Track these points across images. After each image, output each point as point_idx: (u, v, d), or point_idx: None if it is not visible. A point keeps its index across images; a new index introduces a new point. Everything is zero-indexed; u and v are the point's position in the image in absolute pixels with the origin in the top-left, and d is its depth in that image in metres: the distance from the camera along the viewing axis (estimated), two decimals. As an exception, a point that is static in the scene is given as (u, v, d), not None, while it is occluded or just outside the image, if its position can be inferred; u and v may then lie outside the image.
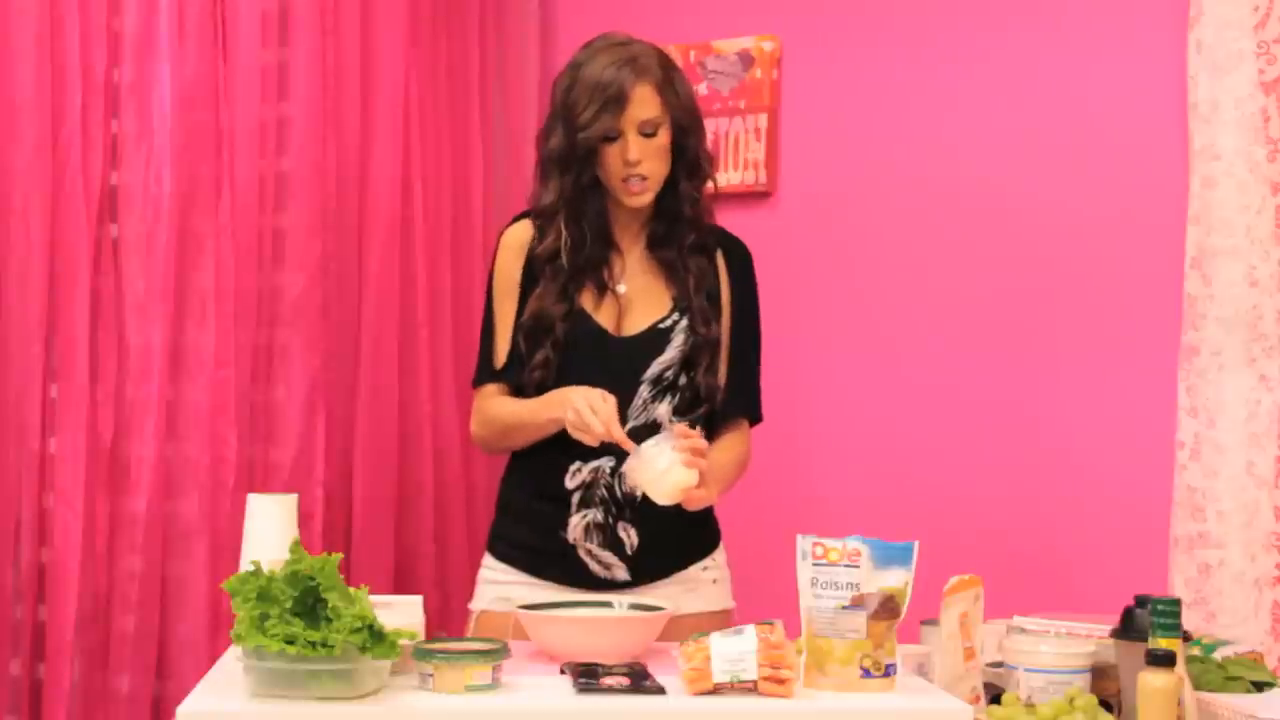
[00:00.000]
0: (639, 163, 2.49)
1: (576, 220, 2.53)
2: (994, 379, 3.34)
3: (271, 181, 3.11)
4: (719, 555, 2.64)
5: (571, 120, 2.48)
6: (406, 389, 3.33)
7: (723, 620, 2.49)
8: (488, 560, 2.63)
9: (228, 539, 2.83)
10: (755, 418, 2.65)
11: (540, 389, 2.53)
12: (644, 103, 2.48)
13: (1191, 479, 3.03)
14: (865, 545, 2.01)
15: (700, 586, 2.59)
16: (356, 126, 3.25)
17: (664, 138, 2.51)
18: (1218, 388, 3.02)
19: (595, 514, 2.51)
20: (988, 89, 3.37)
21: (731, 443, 2.60)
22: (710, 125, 3.55)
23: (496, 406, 2.58)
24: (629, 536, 2.51)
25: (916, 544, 2.03)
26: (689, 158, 2.56)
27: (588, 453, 2.50)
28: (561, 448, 2.51)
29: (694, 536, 2.59)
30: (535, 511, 2.54)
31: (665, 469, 2.31)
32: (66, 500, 2.80)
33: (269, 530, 2.13)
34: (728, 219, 2.70)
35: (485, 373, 2.62)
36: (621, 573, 2.51)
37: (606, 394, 2.40)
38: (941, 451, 3.38)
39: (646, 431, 2.50)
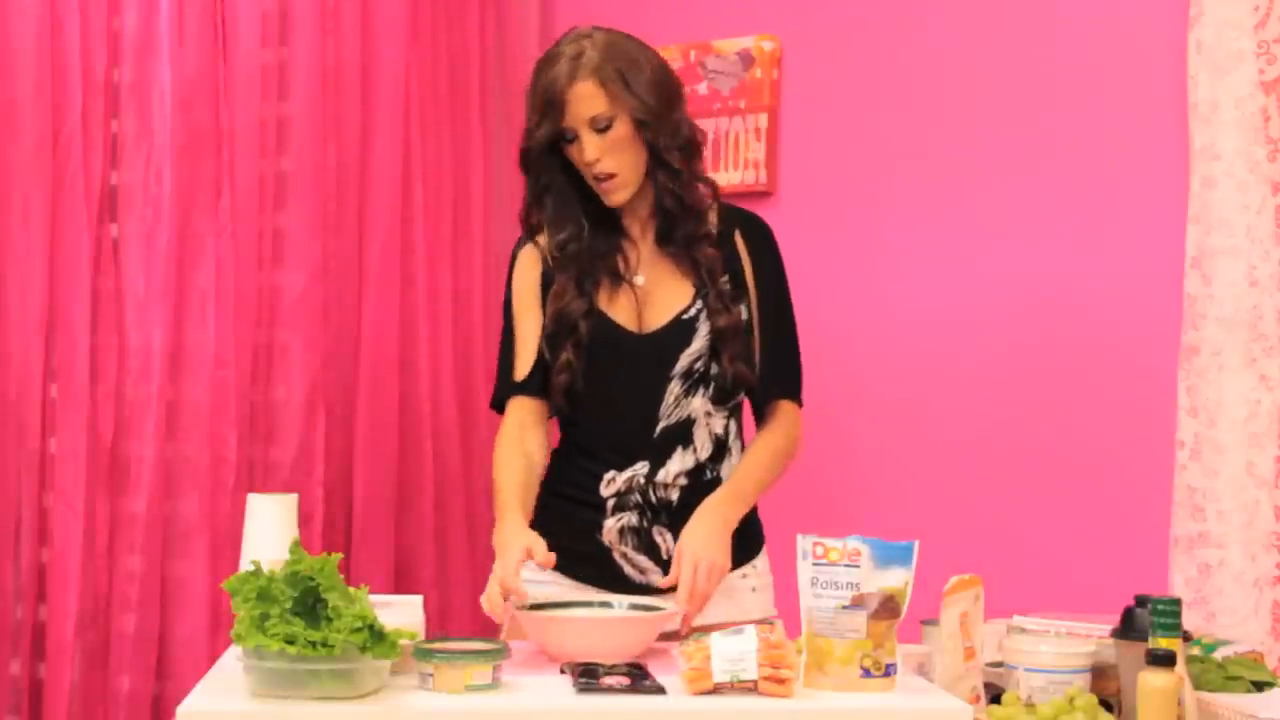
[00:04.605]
0: (598, 160, 2.41)
1: (560, 218, 2.48)
2: (994, 378, 3.33)
3: (271, 181, 3.11)
4: (760, 562, 2.53)
5: (527, 124, 2.45)
6: (406, 389, 3.33)
7: None
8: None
9: (228, 539, 2.84)
10: (797, 398, 2.53)
11: (569, 393, 2.47)
12: (586, 100, 2.39)
13: (1191, 479, 3.03)
14: (865, 545, 2.00)
15: (738, 594, 2.49)
16: (356, 126, 3.25)
17: (622, 130, 2.41)
18: (1218, 388, 3.01)
19: (630, 517, 2.45)
20: (987, 89, 3.36)
21: (768, 436, 2.51)
22: (710, 125, 3.56)
23: (502, 461, 2.47)
24: (664, 541, 2.45)
25: (916, 544, 2.02)
26: (655, 152, 2.44)
27: (621, 461, 2.46)
28: (595, 458, 2.48)
29: (734, 542, 2.39)
30: (571, 515, 2.47)
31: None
32: (66, 500, 2.80)
33: (269, 530, 2.13)
34: (728, 219, 2.70)
35: (505, 389, 2.53)
36: (656, 577, 2.42)
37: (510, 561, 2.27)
38: (942, 451, 3.38)
39: (680, 429, 2.47)
